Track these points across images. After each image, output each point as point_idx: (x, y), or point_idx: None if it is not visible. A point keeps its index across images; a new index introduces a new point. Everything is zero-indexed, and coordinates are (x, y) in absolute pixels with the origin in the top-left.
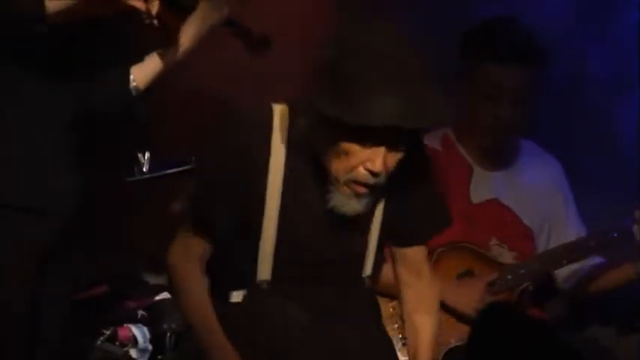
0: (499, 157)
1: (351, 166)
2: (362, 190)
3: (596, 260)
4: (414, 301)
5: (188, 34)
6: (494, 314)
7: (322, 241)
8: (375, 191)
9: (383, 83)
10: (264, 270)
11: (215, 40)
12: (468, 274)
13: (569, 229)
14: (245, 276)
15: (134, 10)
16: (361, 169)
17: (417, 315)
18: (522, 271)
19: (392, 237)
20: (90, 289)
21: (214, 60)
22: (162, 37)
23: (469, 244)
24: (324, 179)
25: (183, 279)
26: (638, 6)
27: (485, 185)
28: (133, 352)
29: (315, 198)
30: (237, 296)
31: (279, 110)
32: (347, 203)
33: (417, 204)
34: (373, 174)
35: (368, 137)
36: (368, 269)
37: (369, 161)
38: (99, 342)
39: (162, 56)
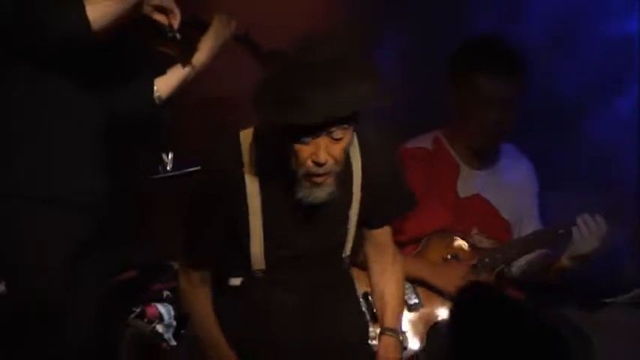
0: (484, 158)
1: (301, 162)
2: (317, 179)
3: (542, 251)
4: (380, 273)
5: (204, 49)
6: (474, 292)
7: (306, 237)
8: (333, 178)
9: (310, 86)
10: (258, 263)
11: (230, 51)
12: (453, 257)
13: (534, 220)
14: (241, 267)
15: (158, 24)
16: (309, 163)
17: (382, 284)
18: (498, 255)
19: (364, 222)
20: (120, 273)
21: (229, 70)
22: (184, 51)
23: (456, 231)
24: (293, 180)
25: (191, 302)
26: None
27: (470, 182)
28: (159, 328)
29: (291, 199)
30: (235, 281)
31: (245, 134)
32: (310, 193)
33: (382, 190)
34: (319, 164)
35: (306, 135)
36: (348, 251)
37: (314, 155)
38: (130, 319)
39: (182, 69)
